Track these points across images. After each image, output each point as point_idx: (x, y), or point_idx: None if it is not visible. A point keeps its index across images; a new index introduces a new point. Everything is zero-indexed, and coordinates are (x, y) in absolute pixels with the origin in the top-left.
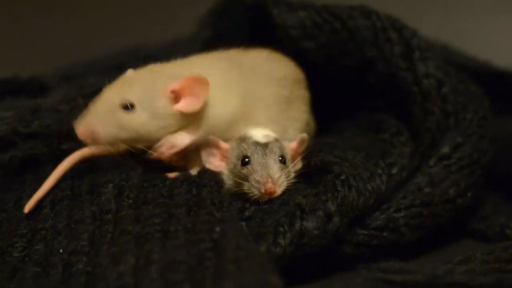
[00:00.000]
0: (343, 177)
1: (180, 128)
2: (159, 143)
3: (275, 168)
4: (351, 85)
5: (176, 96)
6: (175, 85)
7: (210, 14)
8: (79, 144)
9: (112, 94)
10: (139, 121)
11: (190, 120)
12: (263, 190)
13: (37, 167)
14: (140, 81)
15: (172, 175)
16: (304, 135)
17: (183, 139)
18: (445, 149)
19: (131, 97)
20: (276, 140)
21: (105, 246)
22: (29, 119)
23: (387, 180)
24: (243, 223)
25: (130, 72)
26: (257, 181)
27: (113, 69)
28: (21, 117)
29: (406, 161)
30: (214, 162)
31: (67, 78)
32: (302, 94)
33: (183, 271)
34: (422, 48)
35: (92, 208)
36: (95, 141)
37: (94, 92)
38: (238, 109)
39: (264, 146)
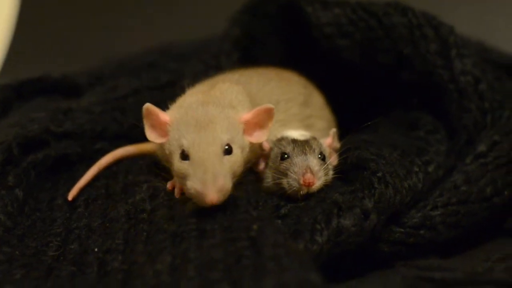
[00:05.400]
0: (379, 174)
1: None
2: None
3: (314, 162)
4: (386, 82)
5: (246, 127)
6: (247, 116)
7: (240, 13)
8: (111, 144)
9: (208, 146)
10: (239, 158)
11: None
12: (301, 181)
13: (71, 166)
14: (217, 118)
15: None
16: (334, 129)
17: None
18: (482, 147)
19: (226, 139)
20: (314, 138)
21: (141, 244)
22: (61, 119)
23: (424, 178)
24: (279, 221)
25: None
26: (296, 173)
27: (144, 68)
28: (54, 117)
29: (442, 159)
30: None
31: (98, 77)
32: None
33: (221, 270)
34: (459, 45)
35: (127, 207)
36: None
37: (127, 94)
38: None
39: (303, 143)
